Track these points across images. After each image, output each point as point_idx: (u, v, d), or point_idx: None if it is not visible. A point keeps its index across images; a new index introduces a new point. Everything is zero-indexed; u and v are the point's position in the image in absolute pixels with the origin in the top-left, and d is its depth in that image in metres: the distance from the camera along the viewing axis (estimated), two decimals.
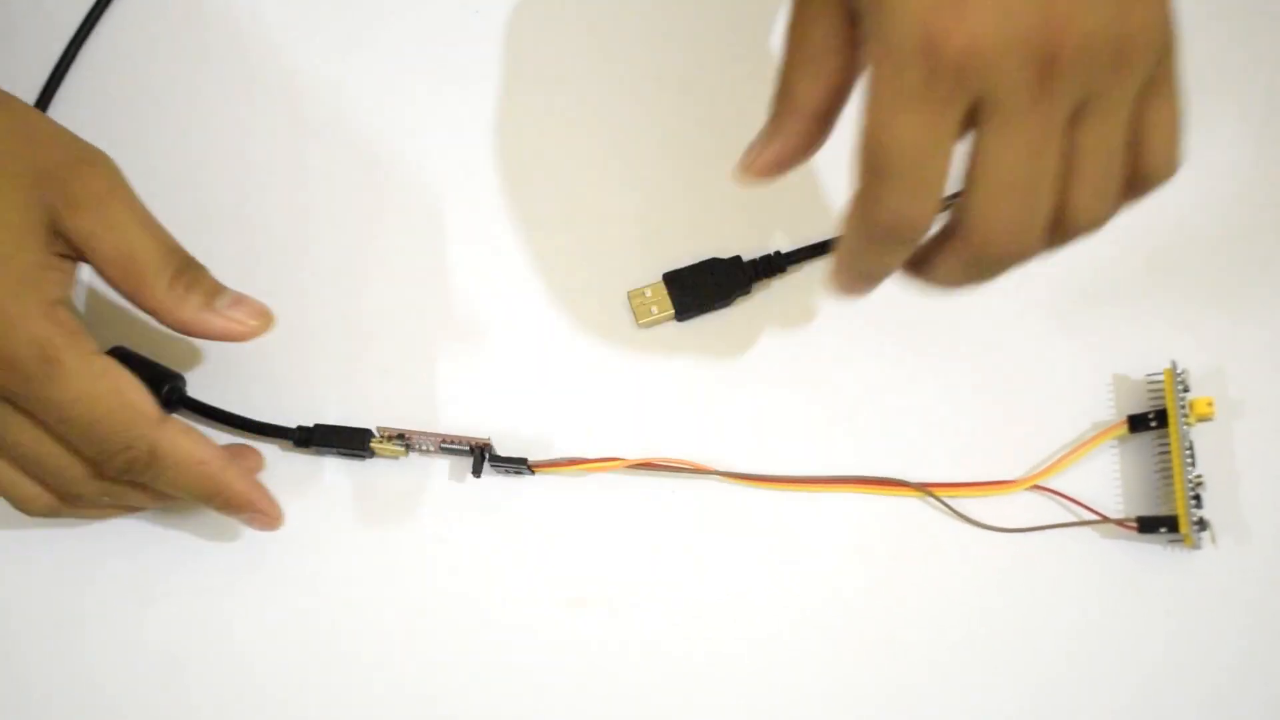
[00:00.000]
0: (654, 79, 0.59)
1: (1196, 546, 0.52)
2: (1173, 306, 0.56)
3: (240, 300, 0.49)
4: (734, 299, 0.56)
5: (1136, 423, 0.53)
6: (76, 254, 0.47)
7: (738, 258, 0.56)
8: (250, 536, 0.53)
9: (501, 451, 0.53)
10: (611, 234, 0.57)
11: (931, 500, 0.53)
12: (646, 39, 0.59)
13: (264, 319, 0.49)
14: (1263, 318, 0.55)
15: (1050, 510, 0.53)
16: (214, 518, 0.52)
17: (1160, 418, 0.53)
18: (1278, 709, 0.51)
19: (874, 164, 0.40)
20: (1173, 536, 0.52)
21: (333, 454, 0.54)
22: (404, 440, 0.53)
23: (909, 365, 0.55)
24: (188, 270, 0.49)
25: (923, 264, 0.44)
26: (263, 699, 0.52)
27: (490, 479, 0.53)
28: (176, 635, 0.52)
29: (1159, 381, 0.53)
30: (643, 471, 0.53)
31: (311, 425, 0.54)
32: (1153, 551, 0.53)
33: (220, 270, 0.49)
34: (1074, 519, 0.53)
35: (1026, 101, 0.39)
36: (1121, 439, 0.54)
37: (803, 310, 0.56)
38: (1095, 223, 0.42)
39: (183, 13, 0.60)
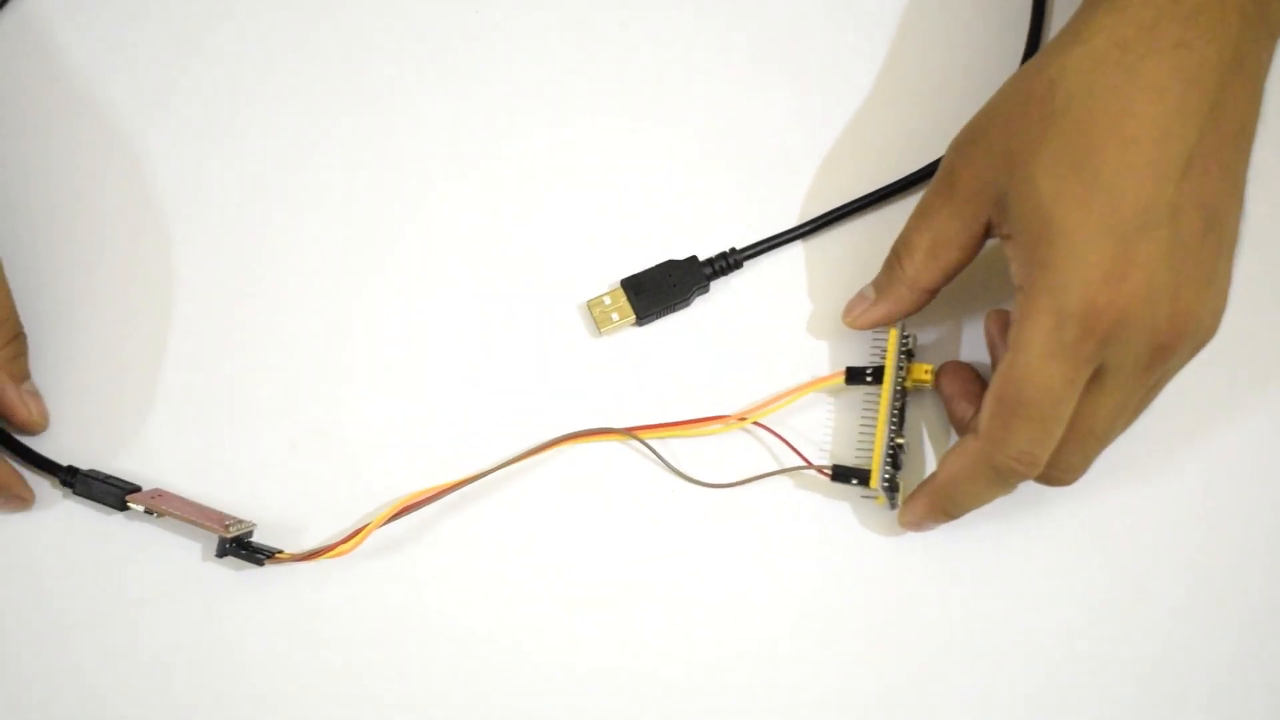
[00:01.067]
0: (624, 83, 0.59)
1: (888, 506, 0.54)
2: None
3: (37, 394, 0.54)
4: (693, 299, 0.57)
5: (854, 375, 0.55)
6: None
7: (694, 257, 0.57)
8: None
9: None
10: (557, 246, 0.58)
11: (638, 445, 0.55)
12: (629, 44, 0.59)
13: (44, 421, 0.54)
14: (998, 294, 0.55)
15: (758, 454, 0.55)
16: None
17: (877, 374, 0.54)
18: (996, 658, 0.53)
19: (1013, 402, 0.47)
20: (865, 491, 0.54)
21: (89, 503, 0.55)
22: (152, 513, 0.54)
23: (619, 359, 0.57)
24: (16, 340, 0.53)
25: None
26: None
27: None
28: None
29: (884, 339, 0.54)
30: (400, 518, 0.53)
31: (84, 468, 0.55)
32: (848, 506, 0.55)
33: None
34: (777, 466, 0.55)
35: (1135, 373, 0.47)
36: (839, 390, 0.55)
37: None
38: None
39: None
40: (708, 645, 0.54)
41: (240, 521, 0.54)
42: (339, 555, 0.53)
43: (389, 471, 0.55)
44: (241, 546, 0.53)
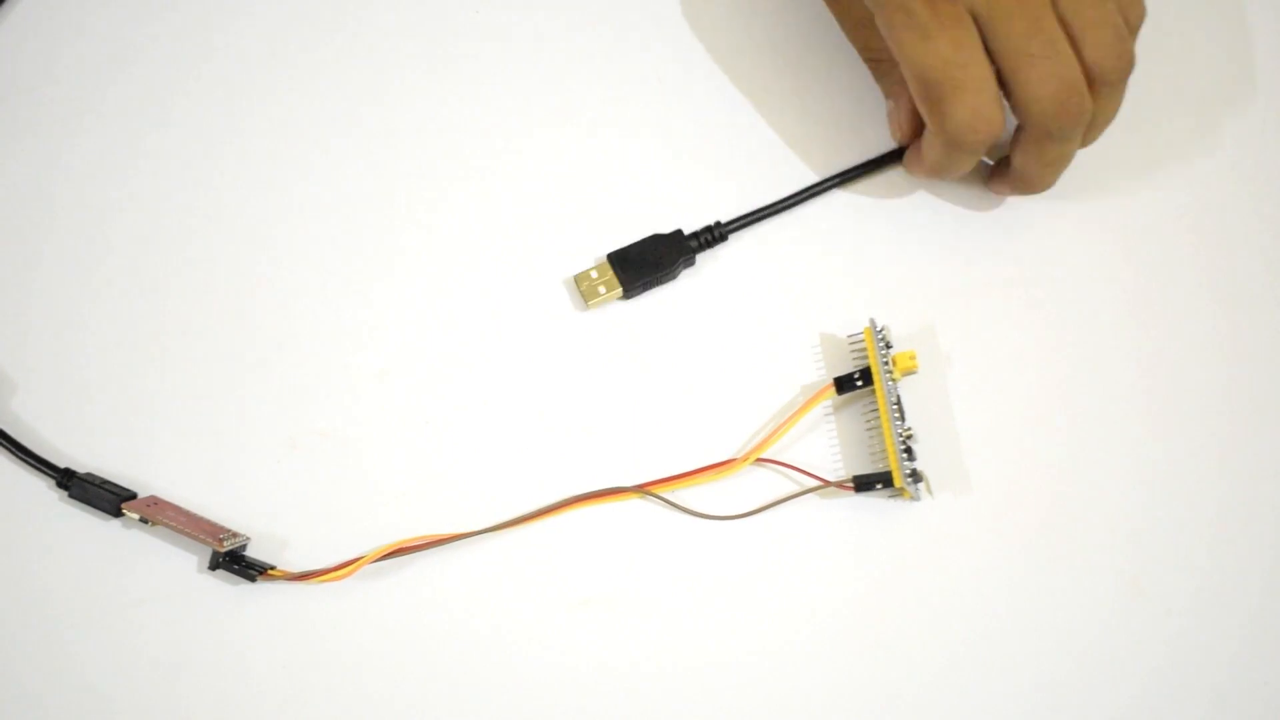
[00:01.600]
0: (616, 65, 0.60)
1: (915, 499, 0.53)
2: (878, 265, 0.57)
3: None
4: (678, 272, 0.57)
5: (843, 384, 0.54)
6: None
7: (679, 231, 0.57)
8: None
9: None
10: (545, 222, 0.58)
11: (654, 499, 0.54)
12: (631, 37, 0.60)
13: None
14: (969, 269, 0.57)
15: (779, 483, 0.54)
16: None
17: (865, 376, 0.54)
18: (1001, 657, 0.52)
19: (929, 91, 0.50)
20: (891, 492, 0.53)
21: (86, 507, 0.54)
22: (147, 521, 0.53)
23: (612, 369, 0.56)
24: None
25: (1004, 170, 0.55)
26: None
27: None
28: None
29: (860, 340, 0.54)
30: (392, 557, 0.53)
31: (81, 469, 0.54)
32: (879, 509, 0.54)
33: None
34: (798, 489, 0.54)
35: None
36: (834, 401, 0.55)
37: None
38: (1120, 61, 0.51)
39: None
40: (761, 682, 0.52)
41: (235, 535, 0.53)
42: (329, 581, 0.53)
43: (389, 465, 0.55)
44: (234, 561, 0.53)
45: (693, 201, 0.57)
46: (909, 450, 0.53)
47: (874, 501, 0.54)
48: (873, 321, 0.54)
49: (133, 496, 0.53)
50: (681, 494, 0.54)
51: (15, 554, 0.53)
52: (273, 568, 0.53)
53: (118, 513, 0.53)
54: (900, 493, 0.53)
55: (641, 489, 0.53)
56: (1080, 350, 0.56)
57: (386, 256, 0.57)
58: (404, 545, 0.53)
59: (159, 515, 0.52)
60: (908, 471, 0.52)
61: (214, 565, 0.52)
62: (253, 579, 0.52)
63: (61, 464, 0.54)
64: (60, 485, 0.54)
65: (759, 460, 0.54)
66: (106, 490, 0.53)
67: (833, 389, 0.54)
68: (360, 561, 0.52)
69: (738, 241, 0.57)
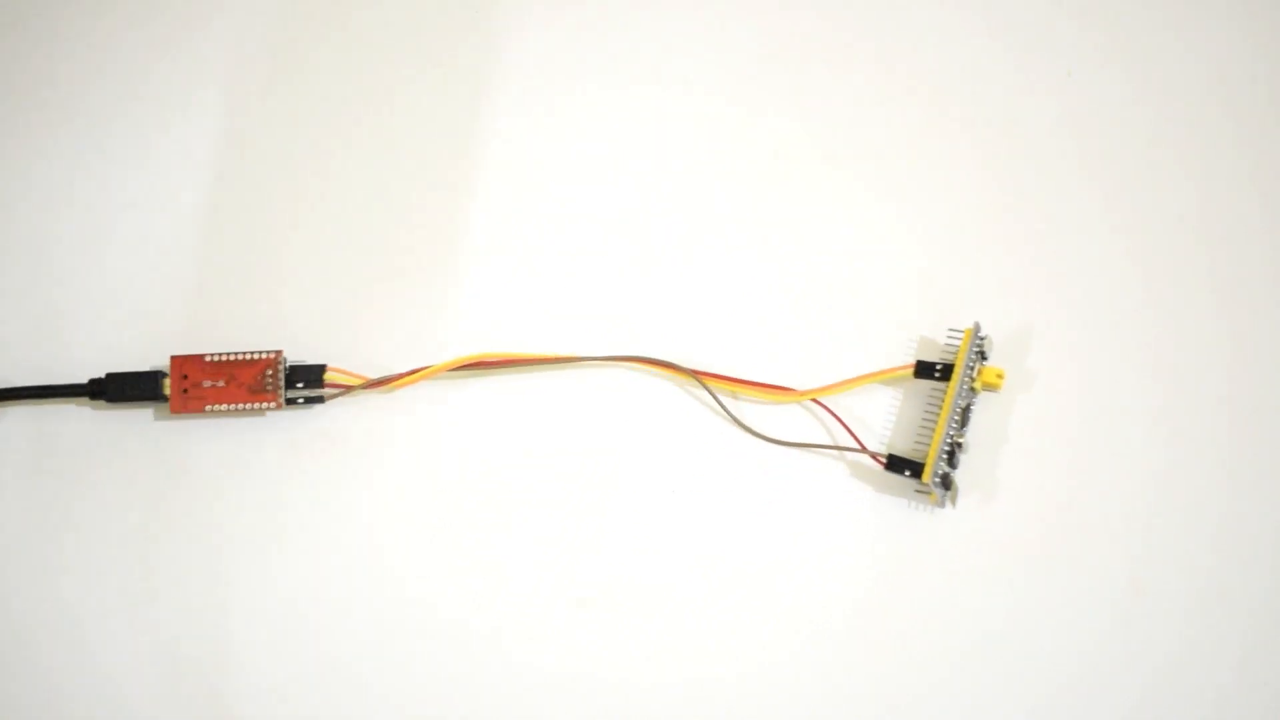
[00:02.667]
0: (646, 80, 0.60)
1: (939, 505, 0.53)
2: (1004, 268, 0.57)
3: None
4: None
5: (923, 369, 0.55)
6: None
7: None
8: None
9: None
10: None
11: (705, 394, 0.55)
12: (640, 38, 0.60)
13: None
14: (1077, 299, 0.57)
15: (815, 432, 0.55)
16: None
17: (946, 371, 0.54)
18: (1000, 672, 0.53)
19: None
20: (917, 485, 0.53)
21: (130, 405, 0.55)
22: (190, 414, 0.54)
23: (747, 261, 0.57)
24: None
25: None
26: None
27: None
28: None
29: (958, 337, 0.54)
30: (461, 371, 0.55)
31: (103, 375, 0.55)
32: (899, 508, 0.54)
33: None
34: (833, 442, 0.55)
35: None
36: (906, 382, 0.55)
37: None
38: None
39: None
40: (729, 610, 0.54)
41: (271, 358, 0.54)
42: (399, 387, 0.55)
43: None
44: (293, 382, 0.54)
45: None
46: (951, 454, 0.53)
47: (897, 500, 0.54)
48: (977, 325, 0.54)
49: (162, 373, 0.54)
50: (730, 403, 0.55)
51: (90, 478, 0.55)
52: (325, 367, 0.54)
53: (159, 394, 0.54)
54: (926, 491, 0.53)
55: (695, 374, 0.55)
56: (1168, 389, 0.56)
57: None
58: (475, 359, 0.54)
59: (195, 398, 0.54)
60: (940, 473, 0.53)
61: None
62: (321, 400, 0.54)
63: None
64: (95, 396, 0.54)
65: (813, 399, 0.55)
66: (135, 378, 0.54)
67: (911, 369, 0.55)
68: (430, 370, 0.54)
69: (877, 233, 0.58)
